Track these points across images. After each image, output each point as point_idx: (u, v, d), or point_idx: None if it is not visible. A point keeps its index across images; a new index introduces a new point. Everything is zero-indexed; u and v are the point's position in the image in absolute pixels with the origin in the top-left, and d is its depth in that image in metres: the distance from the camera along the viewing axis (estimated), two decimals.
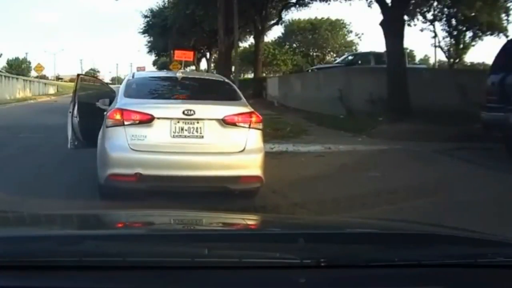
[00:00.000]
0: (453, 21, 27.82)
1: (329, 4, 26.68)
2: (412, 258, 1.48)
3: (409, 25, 24.31)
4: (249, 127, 5.93)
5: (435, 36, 29.87)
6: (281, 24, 36.42)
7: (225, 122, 5.87)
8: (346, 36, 50.24)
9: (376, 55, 21.54)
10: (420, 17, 26.78)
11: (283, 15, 32.07)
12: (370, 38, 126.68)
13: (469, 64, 35.63)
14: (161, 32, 37.46)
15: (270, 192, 6.31)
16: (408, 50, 31.08)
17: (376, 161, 8.55)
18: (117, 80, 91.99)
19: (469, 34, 28.77)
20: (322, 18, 47.99)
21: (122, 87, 6.65)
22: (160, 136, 5.76)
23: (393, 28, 13.70)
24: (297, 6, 30.01)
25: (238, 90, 6.92)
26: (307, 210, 5.52)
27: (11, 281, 1.29)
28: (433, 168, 7.84)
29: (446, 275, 1.44)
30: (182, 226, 2.10)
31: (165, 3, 37.56)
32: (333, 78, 17.31)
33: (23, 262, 1.34)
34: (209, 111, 5.94)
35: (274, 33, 67.60)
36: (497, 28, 26.32)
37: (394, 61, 13.86)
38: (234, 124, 5.90)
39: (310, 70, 26.30)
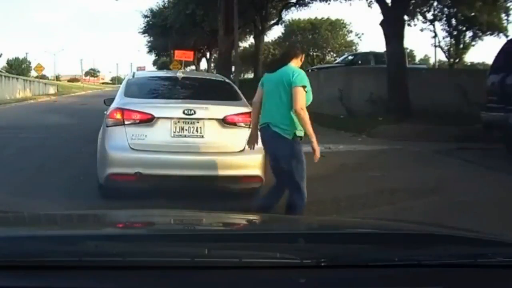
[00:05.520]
0: (453, 21, 27.83)
1: (329, 4, 26.81)
2: (412, 258, 1.48)
3: (409, 25, 24.34)
4: (249, 127, 5.93)
5: (435, 36, 29.93)
6: (281, 24, 36.55)
7: (225, 122, 5.88)
8: (346, 36, 50.31)
9: (376, 55, 21.56)
10: (420, 17, 26.83)
11: (283, 15, 32.19)
12: (370, 38, 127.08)
13: (469, 64, 35.66)
14: (161, 32, 37.48)
15: None
16: (408, 50, 31.05)
17: (376, 161, 8.55)
18: (117, 80, 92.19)
19: (469, 34, 28.82)
20: (322, 18, 48.07)
21: (122, 87, 6.66)
22: (160, 136, 5.76)
23: (393, 28, 13.71)
24: (297, 6, 30.08)
25: (238, 90, 6.92)
26: (307, 210, 5.51)
27: (11, 281, 1.29)
28: (433, 168, 7.84)
29: (446, 275, 1.44)
30: (182, 226, 2.09)
31: (165, 3, 37.59)
32: (333, 78, 17.31)
33: (23, 262, 1.34)
34: (209, 111, 5.94)
35: (274, 33, 67.73)
36: (497, 28, 26.33)
37: (394, 61, 13.87)
38: (234, 124, 5.91)
39: (310, 70, 26.25)
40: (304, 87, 4.68)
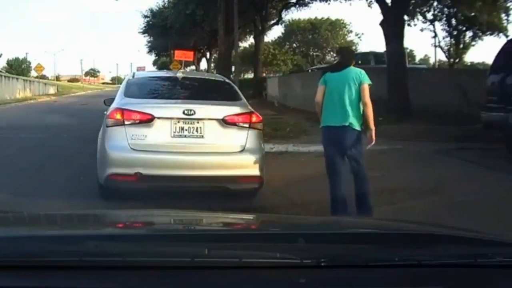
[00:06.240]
0: (453, 21, 27.82)
1: (329, 4, 26.80)
2: (412, 258, 1.48)
3: (409, 25, 24.35)
4: (249, 127, 5.94)
5: (435, 36, 29.89)
6: (281, 24, 36.54)
7: (225, 122, 5.88)
8: (346, 36, 50.31)
9: (376, 55, 21.60)
10: (420, 17, 26.82)
11: (283, 15, 32.19)
12: (370, 38, 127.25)
13: (469, 64, 35.65)
14: (161, 32, 37.46)
15: (270, 192, 6.30)
16: (408, 50, 31.07)
17: (376, 161, 8.53)
18: (117, 80, 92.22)
19: (469, 34, 28.79)
20: (322, 18, 48.08)
21: (122, 87, 6.66)
22: (160, 136, 5.76)
23: (393, 28, 13.71)
24: (297, 6, 30.07)
25: (238, 90, 6.92)
26: (307, 210, 5.52)
27: (11, 281, 1.29)
28: (433, 168, 7.82)
29: (446, 275, 1.44)
30: (182, 226, 2.10)
31: (165, 3, 37.59)
32: None
33: (23, 262, 1.34)
34: (209, 111, 5.94)
35: (274, 33, 67.79)
36: (497, 28, 26.30)
37: (394, 61, 13.87)
38: (234, 124, 5.91)
39: (310, 70, 26.29)
40: (369, 84, 5.43)
